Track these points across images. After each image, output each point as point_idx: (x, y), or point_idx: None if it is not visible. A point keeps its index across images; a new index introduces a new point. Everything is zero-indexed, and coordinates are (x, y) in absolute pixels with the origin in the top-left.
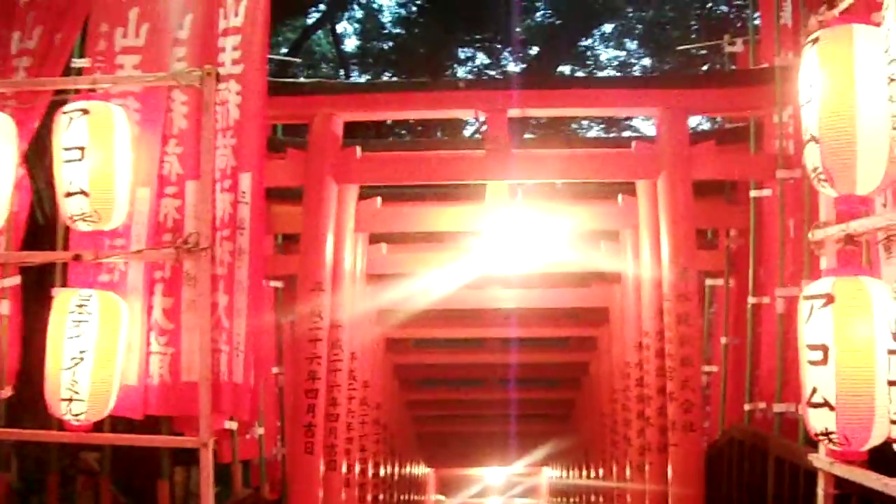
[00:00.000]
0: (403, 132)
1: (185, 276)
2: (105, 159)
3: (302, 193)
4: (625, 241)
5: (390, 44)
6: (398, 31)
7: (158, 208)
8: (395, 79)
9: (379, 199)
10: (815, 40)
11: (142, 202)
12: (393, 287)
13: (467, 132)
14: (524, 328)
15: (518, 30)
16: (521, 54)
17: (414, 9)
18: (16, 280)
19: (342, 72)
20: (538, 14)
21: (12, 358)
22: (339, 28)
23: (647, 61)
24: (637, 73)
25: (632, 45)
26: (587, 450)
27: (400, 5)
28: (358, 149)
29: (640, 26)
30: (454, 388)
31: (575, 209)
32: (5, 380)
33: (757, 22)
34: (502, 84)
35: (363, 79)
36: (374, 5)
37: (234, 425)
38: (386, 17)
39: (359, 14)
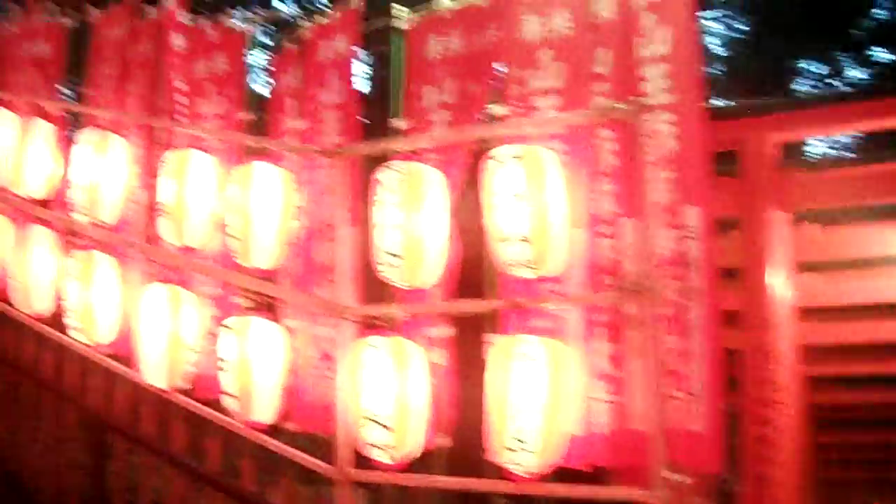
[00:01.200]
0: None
1: (630, 319)
2: (540, 203)
3: (728, 223)
4: None
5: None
6: (726, 53)
7: (594, 249)
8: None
9: (814, 224)
10: None
11: (576, 244)
12: (820, 320)
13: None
14: None
15: (858, 33)
16: (864, 59)
17: (740, 27)
18: (450, 330)
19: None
20: (881, 12)
21: (448, 407)
22: None
23: None
24: None
25: None
26: None
27: (729, 28)
28: (798, 172)
29: None
30: (867, 430)
31: None
32: (444, 429)
33: None
34: None
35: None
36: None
37: (672, 475)
38: (713, 41)
39: None
